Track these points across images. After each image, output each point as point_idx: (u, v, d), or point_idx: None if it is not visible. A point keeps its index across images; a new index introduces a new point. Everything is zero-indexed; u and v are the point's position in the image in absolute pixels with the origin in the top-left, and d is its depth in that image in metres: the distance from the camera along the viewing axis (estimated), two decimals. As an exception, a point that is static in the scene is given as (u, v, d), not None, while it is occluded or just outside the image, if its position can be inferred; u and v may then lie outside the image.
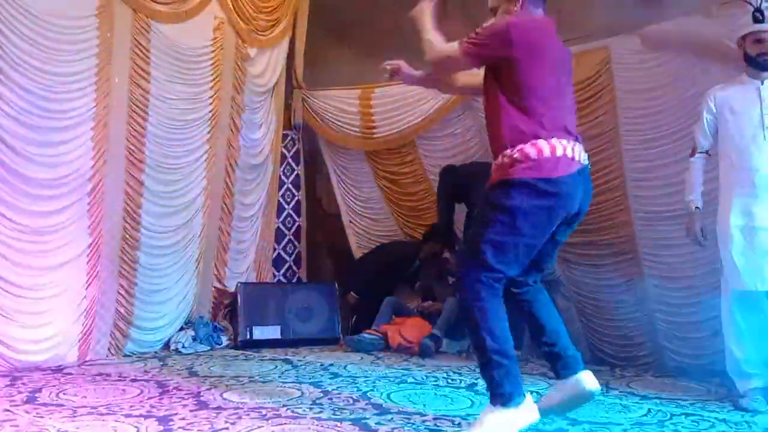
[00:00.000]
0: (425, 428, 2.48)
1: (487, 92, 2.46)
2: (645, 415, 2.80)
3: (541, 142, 2.26)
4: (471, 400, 3.00)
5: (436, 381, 3.45)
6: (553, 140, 2.28)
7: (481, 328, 2.22)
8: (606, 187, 4.09)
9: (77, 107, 3.70)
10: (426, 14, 2.62)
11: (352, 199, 5.47)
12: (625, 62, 3.88)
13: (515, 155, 2.27)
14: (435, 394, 3.14)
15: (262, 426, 2.46)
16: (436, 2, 2.66)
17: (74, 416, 2.54)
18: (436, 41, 2.51)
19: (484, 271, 2.25)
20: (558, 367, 2.41)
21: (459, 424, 2.55)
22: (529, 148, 2.26)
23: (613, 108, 3.78)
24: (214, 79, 4.52)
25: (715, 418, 2.74)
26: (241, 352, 4.37)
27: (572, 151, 2.30)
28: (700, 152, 3.14)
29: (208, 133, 4.52)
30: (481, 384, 3.25)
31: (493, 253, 2.25)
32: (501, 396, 2.21)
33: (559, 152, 2.27)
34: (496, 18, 2.52)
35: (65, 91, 3.64)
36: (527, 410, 2.24)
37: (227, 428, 2.41)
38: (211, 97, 4.52)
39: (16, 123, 3.44)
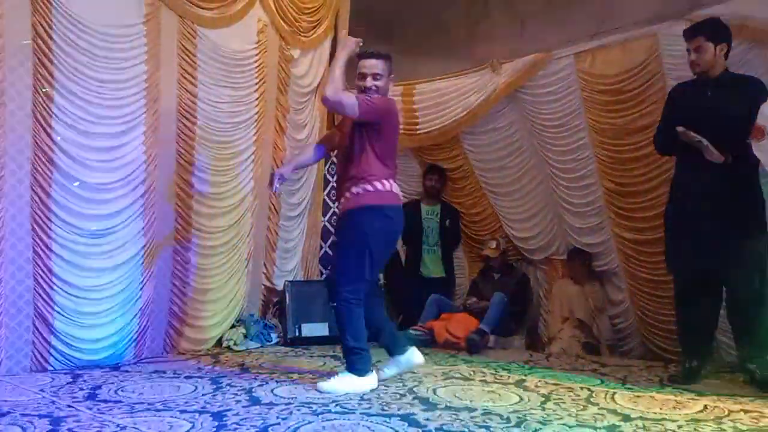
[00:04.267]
0: (474, 424, 2.48)
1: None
2: (701, 411, 2.73)
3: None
4: (519, 396, 2.98)
5: (483, 377, 3.44)
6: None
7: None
8: (659, 181, 4.00)
9: (128, 113, 3.81)
10: (346, 51, 3.21)
11: (406, 196, 5.47)
12: (675, 49, 3.77)
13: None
14: (483, 389, 3.13)
15: (313, 421, 2.50)
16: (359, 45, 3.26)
17: (132, 412, 2.64)
18: (340, 84, 3.09)
19: None
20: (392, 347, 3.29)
21: (508, 419, 2.54)
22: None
23: (663, 98, 3.67)
24: (258, 82, 4.60)
25: (776, 414, 2.65)
26: (290, 348, 4.44)
27: None
28: None
29: (255, 134, 4.59)
30: (530, 381, 3.25)
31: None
32: (357, 370, 3.07)
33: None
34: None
35: (117, 98, 3.75)
36: (371, 380, 3.11)
37: (279, 423, 2.46)
38: (257, 99, 4.59)
39: (72, 130, 3.57)
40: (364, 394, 2.96)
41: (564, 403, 2.84)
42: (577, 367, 3.78)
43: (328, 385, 3.04)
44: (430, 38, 5.08)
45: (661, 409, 2.75)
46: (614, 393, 3.04)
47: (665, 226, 3.45)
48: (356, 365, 3.09)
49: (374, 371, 3.17)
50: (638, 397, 2.98)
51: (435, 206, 5.24)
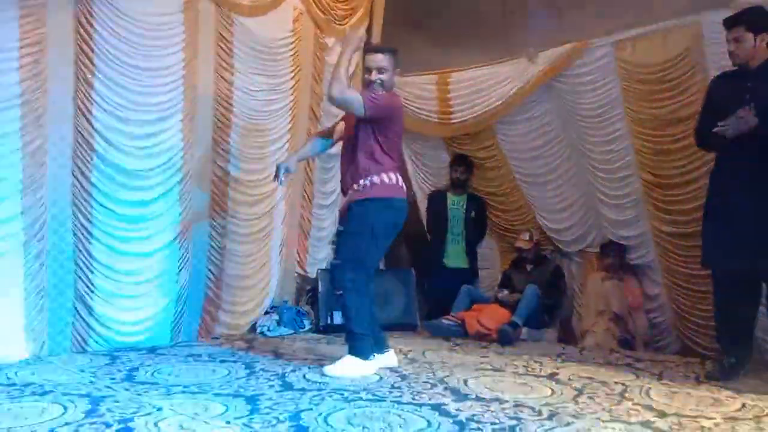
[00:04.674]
0: (504, 415, 2.47)
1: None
2: (739, 409, 2.67)
3: None
4: (551, 389, 2.95)
5: (515, 369, 3.42)
6: None
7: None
8: (699, 173, 3.90)
9: (167, 100, 3.87)
10: (350, 47, 3.27)
11: (430, 186, 5.46)
12: (718, 38, 3.66)
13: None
14: (514, 381, 3.11)
15: (345, 408, 2.52)
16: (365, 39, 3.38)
17: (168, 394, 2.69)
18: (345, 82, 3.17)
19: None
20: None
21: (539, 412, 2.53)
22: None
23: (705, 88, 3.57)
24: (294, 70, 4.61)
25: (818, 414, 2.58)
26: (322, 335, 4.48)
27: None
28: None
29: (290, 122, 4.62)
30: (563, 374, 3.22)
31: None
32: (361, 354, 3.19)
33: None
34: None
35: (155, 85, 3.80)
36: (373, 364, 3.22)
37: (311, 409, 2.49)
38: (292, 87, 4.61)
39: (111, 117, 3.64)
40: (394, 383, 2.98)
41: (597, 397, 2.81)
42: (611, 362, 3.73)
43: (333, 368, 3.14)
44: (464, 27, 5.03)
45: (697, 405, 2.70)
46: (649, 388, 2.99)
47: (704, 220, 3.37)
48: (360, 349, 3.20)
49: (376, 357, 3.27)
50: (674, 393, 2.93)
51: (461, 196, 5.21)
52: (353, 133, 3.30)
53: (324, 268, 4.93)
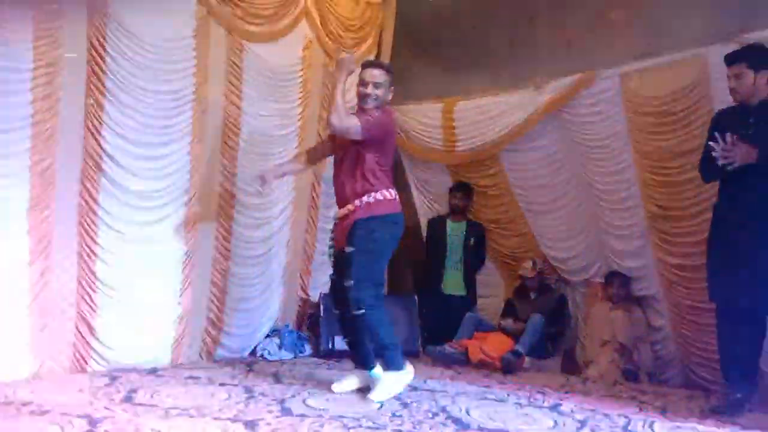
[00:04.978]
0: (506, 446, 2.44)
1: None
2: (744, 445, 2.63)
3: None
4: (554, 420, 2.92)
5: (518, 399, 3.38)
6: None
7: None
8: (705, 206, 3.88)
9: (176, 123, 3.92)
10: (344, 73, 3.33)
11: (433, 213, 5.47)
12: (724, 72, 3.68)
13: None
14: (517, 412, 3.08)
15: (343, 435, 2.49)
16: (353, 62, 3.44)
17: (167, 417, 2.67)
18: (342, 110, 3.23)
19: None
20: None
21: (541, 444, 2.49)
22: None
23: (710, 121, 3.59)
24: (302, 97, 4.66)
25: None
26: (323, 360, 4.45)
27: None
28: None
29: (296, 148, 4.65)
30: (566, 405, 3.19)
31: None
32: (398, 364, 3.26)
33: None
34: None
35: (166, 108, 3.86)
36: (410, 369, 3.32)
37: (309, 436, 2.46)
38: (299, 114, 4.66)
39: (122, 139, 3.68)
40: (395, 411, 2.95)
41: (601, 430, 2.78)
42: (615, 393, 3.69)
43: (379, 393, 3.18)
44: (472, 56, 5.08)
45: (702, 441, 2.66)
46: (653, 422, 2.95)
47: (707, 254, 3.37)
48: (396, 360, 3.27)
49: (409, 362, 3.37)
50: (678, 427, 2.89)
51: (460, 223, 5.20)
52: (350, 153, 3.36)
53: (327, 292, 4.91)
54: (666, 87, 4.08)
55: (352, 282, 3.21)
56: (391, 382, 3.22)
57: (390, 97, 3.46)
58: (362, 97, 3.38)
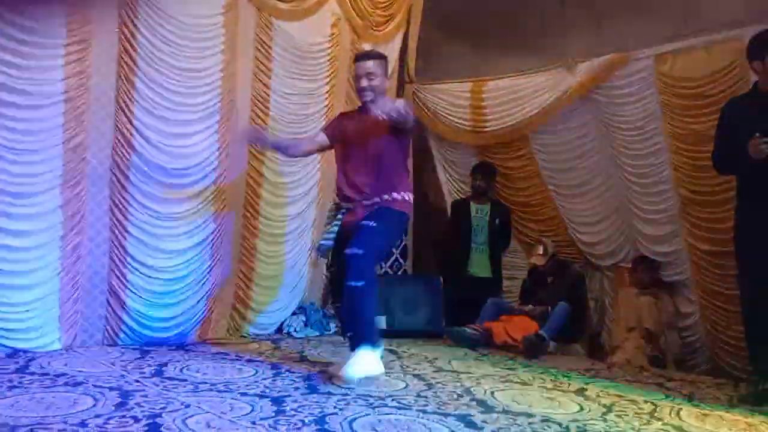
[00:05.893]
0: (531, 430, 2.44)
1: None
2: (774, 435, 2.60)
3: None
4: (580, 405, 2.91)
5: (542, 383, 3.38)
6: None
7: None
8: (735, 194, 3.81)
9: (205, 101, 3.94)
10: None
11: (461, 194, 5.44)
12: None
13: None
14: (541, 395, 3.07)
15: (369, 414, 2.52)
16: None
17: (196, 391, 2.72)
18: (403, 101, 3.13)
19: None
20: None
21: (567, 428, 2.49)
22: None
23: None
24: (330, 75, 4.65)
25: None
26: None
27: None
28: None
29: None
30: (591, 390, 3.17)
31: None
32: (375, 342, 3.10)
33: None
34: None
35: (194, 86, 3.88)
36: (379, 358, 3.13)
37: (336, 413, 2.49)
38: (327, 92, 4.65)
39: (152, 116, 3.72)
40: (420, 392, 2.96)
41: (626, 415, 2.76)
42: (641, 380, 3.66)
43: (357, 368, 2.98)
44: (502, 35, 5.01)
45: (730, 430, 2.63)
46: (680, 409, 2.92)
47: (734, 240, 3.31)
48: (374, 335, 3.13)
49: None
50: (705, 415, 2.86)
51: (485, 205, 5.16)
52: (380, 148, 3.22)
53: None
54: (701, 69, 3.97)
55: (362, 252, 3.09)
56: (369, 358, 3.03)
57: (387, 84, 3.39)
58: (359, 93, 3.32)
